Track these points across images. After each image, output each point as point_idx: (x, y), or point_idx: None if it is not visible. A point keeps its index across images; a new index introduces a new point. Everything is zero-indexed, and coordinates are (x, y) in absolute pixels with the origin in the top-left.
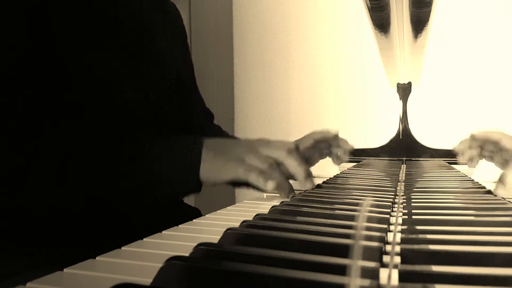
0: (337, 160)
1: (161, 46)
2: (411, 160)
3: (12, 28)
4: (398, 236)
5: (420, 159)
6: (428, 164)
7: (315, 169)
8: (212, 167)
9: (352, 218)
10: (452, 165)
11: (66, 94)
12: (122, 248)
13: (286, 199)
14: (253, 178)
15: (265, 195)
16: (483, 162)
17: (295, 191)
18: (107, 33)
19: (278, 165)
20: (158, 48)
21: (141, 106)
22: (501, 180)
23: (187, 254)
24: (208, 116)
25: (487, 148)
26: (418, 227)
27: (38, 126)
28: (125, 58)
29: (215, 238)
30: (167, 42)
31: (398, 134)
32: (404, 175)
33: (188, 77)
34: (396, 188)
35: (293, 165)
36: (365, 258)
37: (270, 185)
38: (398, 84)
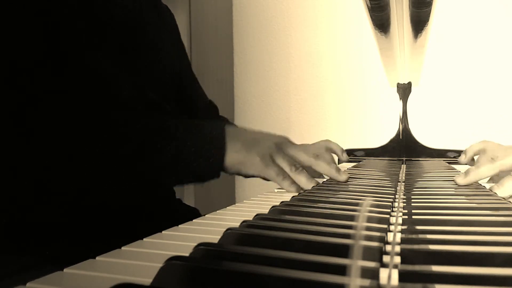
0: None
1: (156, 44)
2: (411, 160)
3: (14, 26)
4: (398, 236)
5: (420, 159)
6: (428, 164)
7: None
8: (240, 159)
9: (352, 218)
10: (452, 165)
11: (65, 91)
12: (122, 248)
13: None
14: (285, 185)
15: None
16: None
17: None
18: (104, 31)
19: (304, 167)
20: (154, 46)
21: (138, 104)
22: (501, 183)
23: (187, 254)
24: (212, 109)
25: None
26: (418, 227)
27: (38, 124)
28: (122, 56)
29: (215, 238)
30: (162, 40)
31: (398, 134)
32: (404, 175)
33: (186, 74)
34: (396, 188)
35: (323, 166)
36: (365, 258)
37: (293, 189)
38: (398, 84)
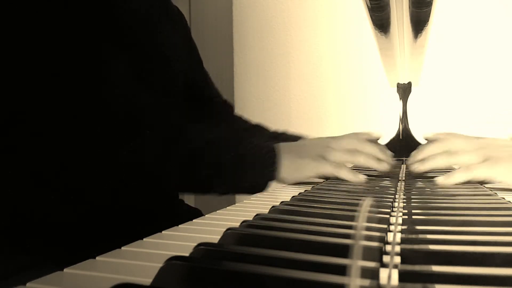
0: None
1: (167, 49)
2: None
3: (36, 33)
4: (398, 236)
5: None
6: None
7: None
8: (295, 166)
9: (352, 218)
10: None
11: (78, 95)
12: (122, 248)
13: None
14: (343, 173)
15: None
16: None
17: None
18: (118, 37)
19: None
20: (164, 50)
21: (148, 108)
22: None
23: (187, 254)
24: (227, 108)
25: None
26: (418, 227)
27: (41, 126)
28: (132, 60)
29: (215, 238)
30: (172, 45)
31: (398, 134)
32: (404, 175)
33: (198, 73)
34: (396, 188)
35: (371, 150)
36: (365, 258)
37: (361, 178)
38: (398, 84)
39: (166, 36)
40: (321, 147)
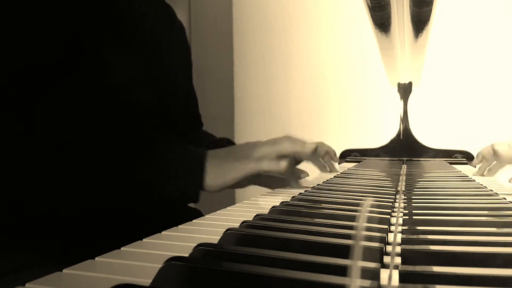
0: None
1: (171, 55)
2: (411, 160)
3: (44, 28)
4: (399, 237)
5: (421, 159)
6: (429, 164)
7: (316, 169)
8: (220, 171)
9: (352, 218)
10: (453, 165)
11: (79, 95)
12: (122, 248)
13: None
14: (265, 165)
15: (267, 191)
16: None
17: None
18: (127, 38)
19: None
20: (169, 57)
21: (153, 109)
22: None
23: (186, 255)
24: (200, 124)
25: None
26: (419, 228)
27: (42, 125)
28: (140, 64)
29: (215, 238)
30: (176, 53)
31: (398, 134)
32: (404, 175)
33: (193, 92)
34: (396, 188)
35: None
36: (365, 258)
37: (283, 164)
38: (398, 83)
39: (172, 49)
40: (247, 148)
